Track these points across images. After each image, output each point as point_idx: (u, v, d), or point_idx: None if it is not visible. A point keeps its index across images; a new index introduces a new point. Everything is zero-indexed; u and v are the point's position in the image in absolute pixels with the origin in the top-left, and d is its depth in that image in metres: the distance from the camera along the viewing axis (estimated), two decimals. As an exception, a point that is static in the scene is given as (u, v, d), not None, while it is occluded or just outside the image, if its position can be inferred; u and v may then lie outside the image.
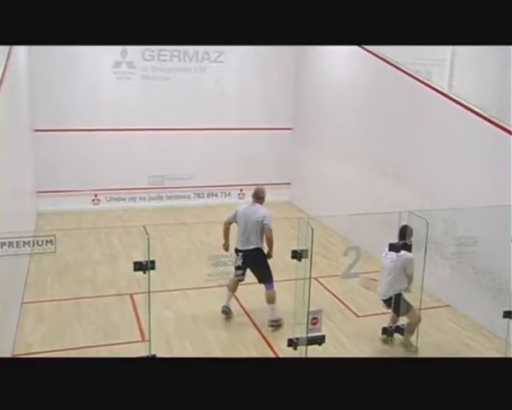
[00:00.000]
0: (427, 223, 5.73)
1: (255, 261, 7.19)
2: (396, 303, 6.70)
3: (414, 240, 6.33)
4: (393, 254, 6.53)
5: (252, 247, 7.25)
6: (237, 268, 6.50)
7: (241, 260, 6.52)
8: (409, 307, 6.70)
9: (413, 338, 6.78)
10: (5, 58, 7.91)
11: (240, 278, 6.86)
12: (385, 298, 6.88)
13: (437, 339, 7.21)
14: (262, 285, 7.41)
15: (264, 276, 7.34)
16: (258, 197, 7.53)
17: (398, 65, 9.51)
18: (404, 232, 6.52)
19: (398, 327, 6.91)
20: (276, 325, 7.33)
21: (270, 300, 7.36)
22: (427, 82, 8.87)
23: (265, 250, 7.37)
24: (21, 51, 10.12)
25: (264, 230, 7.25)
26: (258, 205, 7.47)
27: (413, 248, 6.17)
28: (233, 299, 7.61)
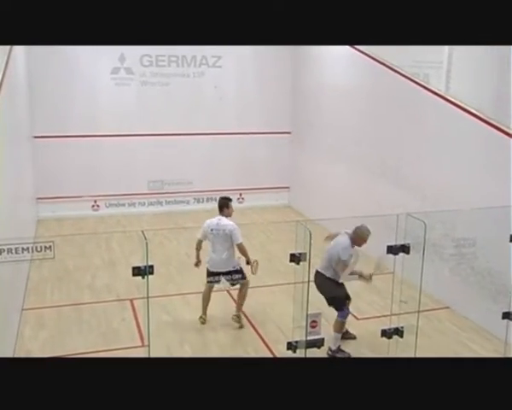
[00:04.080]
0: (425, 225, 5.72)
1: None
2: None
3: (412, 242, 6.32)
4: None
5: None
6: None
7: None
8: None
9: (411, 339, 6.77)
10: (4, 65, 7.95)
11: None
12: None
13: (436, 340, 7.20)
14: (264, 289, 7.44)
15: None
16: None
17: (395, 68, 9.53)
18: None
19: (397, 329, 6.88)
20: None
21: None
22: (425, 84, 8.89)
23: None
24: (20, 58, 10.16)
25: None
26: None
27: (412, 251, 6.16)
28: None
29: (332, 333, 6.84)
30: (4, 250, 4.52)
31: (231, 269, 7.15)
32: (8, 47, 8.55)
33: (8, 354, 6.37)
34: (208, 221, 7.44)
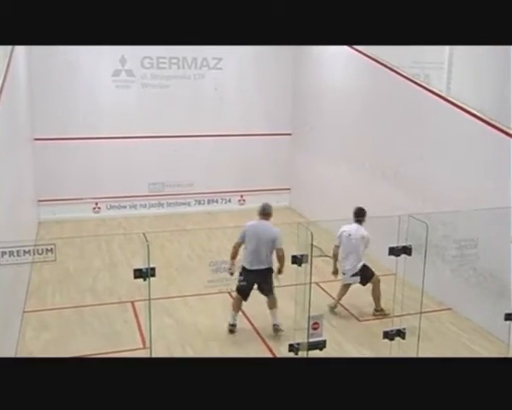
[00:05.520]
0: (427, 226, 5.72)
1: (266, 280, 7.27)
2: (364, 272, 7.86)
3: (414, 244, 6.31)
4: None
5: (263, 266, 7.24)
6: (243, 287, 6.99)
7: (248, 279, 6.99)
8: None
9: (413, 340, 6.76)
10: (5, 68, 7.95)
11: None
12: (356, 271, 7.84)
13: (438, 342, 7.19)
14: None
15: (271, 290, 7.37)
16: (265, 214, 7.44)
17: (396, 68, 9.53)
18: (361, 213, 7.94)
19: (399, 330, 6.87)
20: (280, 329, 7.31)
21: (274, 305, 7.38)
22: (426, 85, 8.89)
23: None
24: (21, 61, 10.15)
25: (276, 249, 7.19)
26: (266, 222, 7.38)
27: (413, 252, 6.15)
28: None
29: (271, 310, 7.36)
30: (6, 253, 4.50)
31: (358, 271, 7.82)
32: (9, 48, 8.55)
33: (10, 356, 6.36)
34: (346, 227, 7.97)
